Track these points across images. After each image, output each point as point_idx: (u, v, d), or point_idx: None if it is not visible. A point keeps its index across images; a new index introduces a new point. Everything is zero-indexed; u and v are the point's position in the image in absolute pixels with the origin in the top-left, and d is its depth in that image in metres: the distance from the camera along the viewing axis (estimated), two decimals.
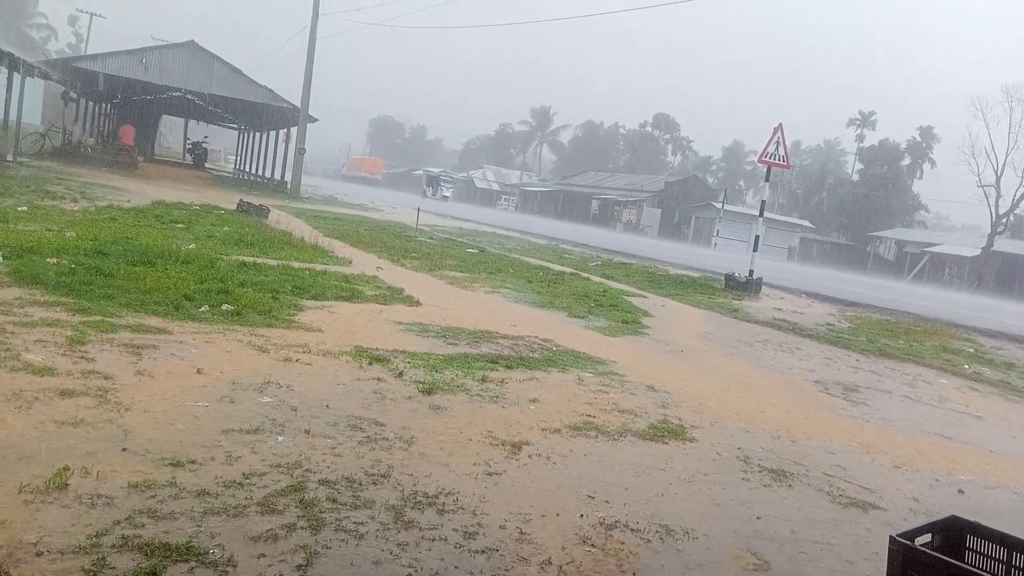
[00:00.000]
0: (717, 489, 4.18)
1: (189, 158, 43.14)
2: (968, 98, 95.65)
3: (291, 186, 33.98)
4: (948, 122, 70.27)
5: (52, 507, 2.85)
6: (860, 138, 77.95)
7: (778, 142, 16.03)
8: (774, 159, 16.13)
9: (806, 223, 65.91)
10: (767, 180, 18.10)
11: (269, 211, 17.94)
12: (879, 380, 8.33)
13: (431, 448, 4.09)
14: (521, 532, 3.26)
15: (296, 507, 3.14)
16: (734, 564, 3.32)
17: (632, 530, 3.45)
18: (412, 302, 8.71)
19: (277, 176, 36.58)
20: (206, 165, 42.02)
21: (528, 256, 18.08)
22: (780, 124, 16.13)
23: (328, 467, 3.61)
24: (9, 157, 23.12)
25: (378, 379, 5.24)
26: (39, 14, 78.36)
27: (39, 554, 2.53)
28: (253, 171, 42.14)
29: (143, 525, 2.81)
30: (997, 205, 52.73)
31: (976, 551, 2.80)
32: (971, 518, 2.89)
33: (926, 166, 70.81)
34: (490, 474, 3.85)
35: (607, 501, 3.74)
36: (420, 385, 5.20)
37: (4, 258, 7.24)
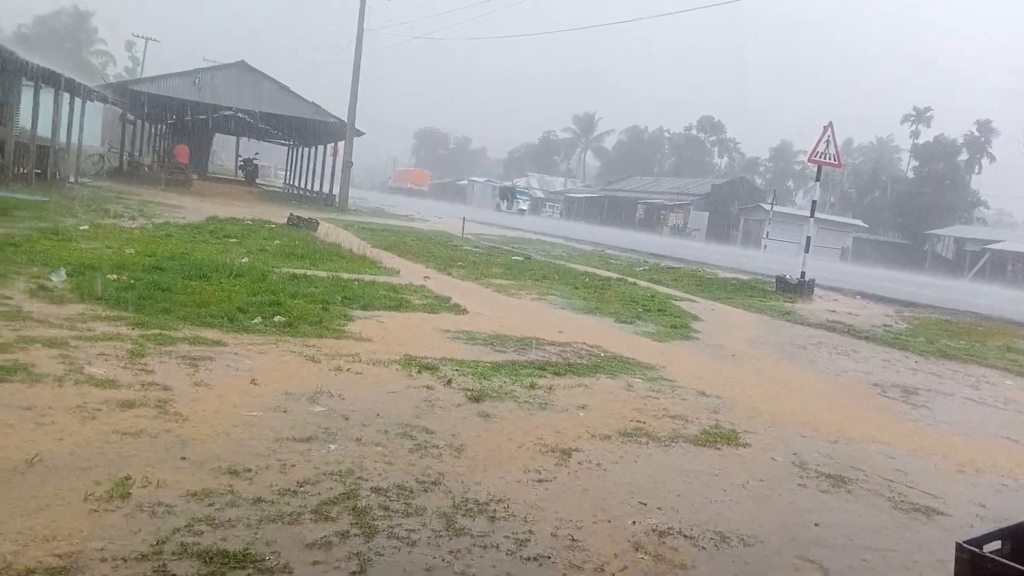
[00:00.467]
0: (773, 495, 4.09)
1: (241, 175, 44.25)
2: None
3: (339, 199, 34.56)
4: (1008, 115, 68.04)
5: (115, 515, 2.93)
6: (915, 134, 75.84)
7: (828, 141, 15.71)
8: (825, 158, 15.81)
9: (859, 223, 64.33)
10: (818, 180, 17.76)
11: (318, 224, 18.27)
12: (940, 382, 8.07)
13: (481, 455, 4.10)
14: (573, 539, 3.23)
15: (349, 515, 3.17)
16: (792, 572, 3.24)
17: (686, 537, 3.40)
18: (459, 310, 8.76)
19: (325, 190, 37.28)
20: (257, 181, 43.04)
21: (574, 262, 18.03)
22: (830, 122, 15.82)
23: (380, 475, 3.64)
24: (71, 178, 24.04)
25: (427, 387, 5.27)
26: (99, 40, 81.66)
27: (103, 560, 2.60)
28: (302, 186, 43.04)
29: (202, 532, 2.87)
30: None
31: None
32: None
33: (984, 161, 68.59)
34: (540, 481, 3.84)
35: (659, 508, 3.69)
36: (469, 393, 5.22)
37: (67, 275, 7.51)
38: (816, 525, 3.74)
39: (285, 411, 4.43)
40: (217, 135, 53.84)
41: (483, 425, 4.63)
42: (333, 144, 38.15)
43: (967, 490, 4.60)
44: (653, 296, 12.35)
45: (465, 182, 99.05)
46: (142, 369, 4.85)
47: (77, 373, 4.58)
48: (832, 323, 11.69)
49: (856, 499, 4.19)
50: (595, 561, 3.07)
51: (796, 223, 53.37)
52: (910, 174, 73.03)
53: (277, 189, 44.67)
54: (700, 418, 5.36)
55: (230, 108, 33.95)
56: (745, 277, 18.35)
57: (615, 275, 15.51)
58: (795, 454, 4.83)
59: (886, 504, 4.17)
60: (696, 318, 10.63)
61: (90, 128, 28.70)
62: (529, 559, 3.01)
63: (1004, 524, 2.78)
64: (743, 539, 3.46)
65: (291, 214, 19.51)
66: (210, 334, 6.04)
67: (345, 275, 10.19)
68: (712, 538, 3.42)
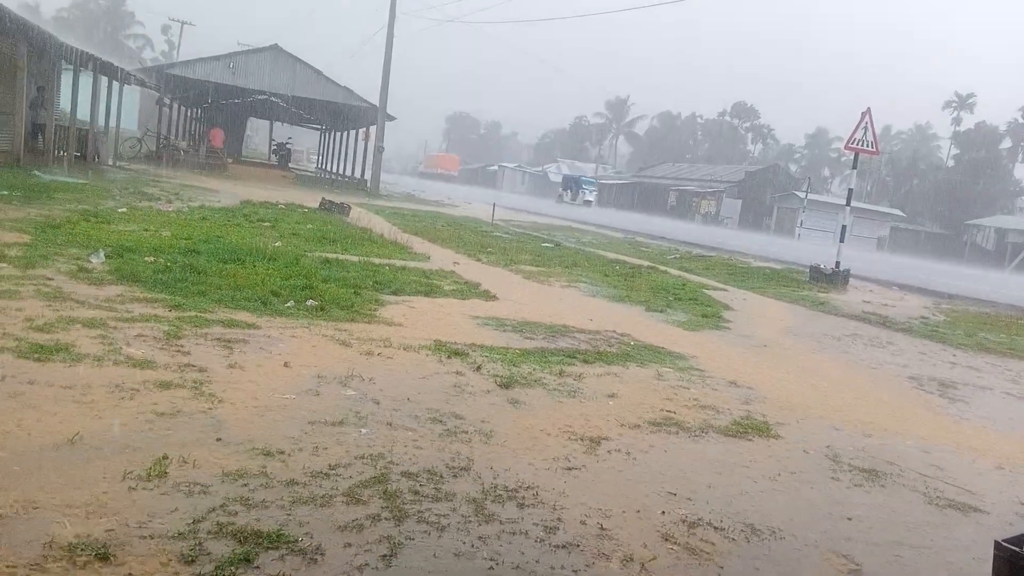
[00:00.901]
0: (805, 488, 4.04)
1: (274, 159, 44.66)
2: None
3: (370, 184, 34.73)
4: None
5: (152, 494, 3.00)
6: (956, 121, 74.07)
7: (866, 127, 15.40)
8: (862, 145, 15.51)
9: (897, 212, 63.12)
10: (854, 167, 17.42)
11: (350, 209, 18.39)
12: (978, 376, 7.90)
13: (510, 442, 4.11)
14: (602, 528, 3.23)
15: (380, 498, 3.20)
16: (824, 566, 3.21)
17: (716, 528, 3.38)
18: (489, 296, 8.77)
19: (357, 174, 37.46)
20: (290, 165, 43.44)
21: (604, 250, 17.94)
22: (868, 108, 15.49)
23: (410, 459, 3.67)
24: (110, 161, 24.48)
25: (457, 373, 5.30)
26: (137, 23, 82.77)
27: (142, 538, 2.66)
28: (334, 170, 43.27)
29: (236, 513, 2.92)
30: None
31: None
32: None
33: None
34: (569, 469, 3.84)
35: (689, 498, 3.68)
36: (498, 379, 5.24)
37: (106, 257, 7.66)
38: (849, 519, 3.70)
39: (317, 394, 4.49)
40: (251, 119, 54.35)
41: (512, 412, 4.64)
42: (365, 128, 38.30)
43: (1006, 487, 4.51)
44: (684, 284, 12.25)
45: (495, 168, 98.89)
46: (178, 350, 4.94)
47: (116, 353, 4.68)
48: (867, 314, 11.50)
49: (890, 494, 4.13)
50: (624, 551, 3.06)
51: (831, 211, 52.57)
52: (950, 162, 71.44)
53: (310, 173, 44.98)
54: (731, 409, 5.31)
55: (264, 92, 34.18)
56: (778, 266, 18.12)
57: (646, 263, 15.41)
58: (828, 447, 4.77)
59: (921, 500, 4.11)
60: (728, 307, 10.52)
61: (128, 112, 29.20)
62: (558, 547, 3.02)
63: None
64: (774, 532, 3.43)
65: (323, 198, 19.67)
66: (244, 317, 6.12)
67: (376, 260, 10.25)
68: (743, 530, 3.40)
